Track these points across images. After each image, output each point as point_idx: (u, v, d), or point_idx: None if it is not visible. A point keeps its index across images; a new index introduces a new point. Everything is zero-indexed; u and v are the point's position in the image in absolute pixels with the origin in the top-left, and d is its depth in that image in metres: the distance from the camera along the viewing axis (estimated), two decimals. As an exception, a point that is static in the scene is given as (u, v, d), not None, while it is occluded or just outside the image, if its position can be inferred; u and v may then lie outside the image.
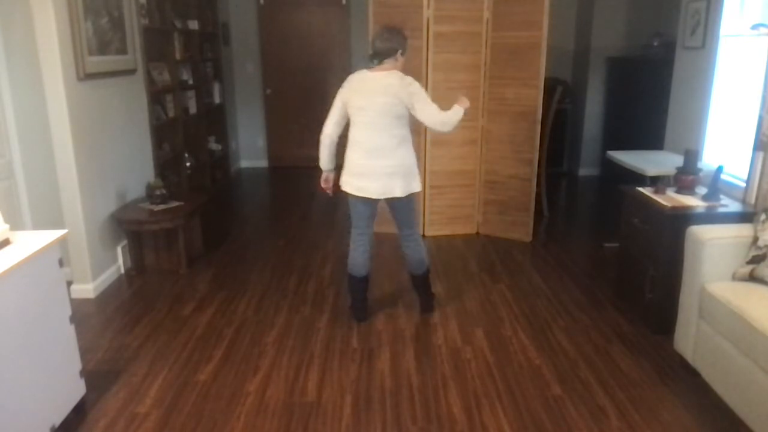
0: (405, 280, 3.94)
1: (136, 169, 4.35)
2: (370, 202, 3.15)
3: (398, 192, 3.07)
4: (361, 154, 3.06)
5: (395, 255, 4.40)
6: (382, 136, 3.02)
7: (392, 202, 3.15)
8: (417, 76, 4.45)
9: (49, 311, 2.30)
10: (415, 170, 3.14)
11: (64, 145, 3.48)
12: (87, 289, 3.69)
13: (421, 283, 3.41)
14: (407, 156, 3.09)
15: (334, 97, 3.15)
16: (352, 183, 3.10)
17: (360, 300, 3.34)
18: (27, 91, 3.51)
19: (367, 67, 3.09)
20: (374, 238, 2.97)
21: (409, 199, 3.15)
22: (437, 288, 3.80)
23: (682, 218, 3.02)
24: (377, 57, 3.04)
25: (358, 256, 3.24)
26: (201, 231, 4.41)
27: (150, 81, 4.59)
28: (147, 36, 4.50)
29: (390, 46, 3.01)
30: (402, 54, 3.07)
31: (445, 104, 4.52)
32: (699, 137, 4.09)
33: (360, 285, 3.30)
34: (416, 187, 3.14)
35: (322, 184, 3.29)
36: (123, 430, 2.44)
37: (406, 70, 4.51)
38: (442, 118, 3.02)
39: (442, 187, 4.72)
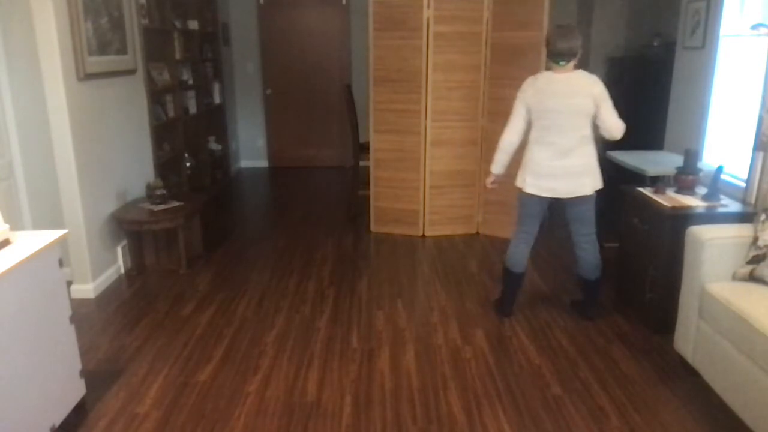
0: (405, 280, 3.95)
1: (136, 169, 4.35)
2: (548, 203, 3.19)
3: (588, 190, 3.10)
4: (552, 155, 3.07)
5: (395, 254, 4.40)
6: (574, 137, 3.03)
7: (577, 201, 3.15)
8: (417, 76, 4.52)
9: (49, 311, 2.30)
10: (598, 167, 3.15)
11: (64, 145, 3.48)
12: (87, 289, 3.69)
13: (592, 288, 3.36)
14: (593, 154, 3.11)
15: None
16: (539, 185, 3.12)
17: (512, 294, 3.40)
18: (27, 91, 3.51)
19: (548, 69, 3.06)
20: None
21: (593, 199, 3.17)
22: (436, 287, 3.81)
23: (682, 218, 3.02)
24: (563, 58, 2.97)
25: (519, 252, 3.30)
26: (201, 231, 4.41)
27: (150, 81, 4.58)
28: (147, 36, 4.50)
29: (575, 45, 2.95)
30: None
31: (444, 104, 4.57)
32: (699, 137, 4.09)
33: (516, 280, 3.36)
34: (600, 183, 3.16)
35: (489, 185, 3.38)
36: (123, 430, 2.44)
37: (406, 70, 4.58)
38: (621, 124, 3.03)
39: (442, 187, 4.72)
